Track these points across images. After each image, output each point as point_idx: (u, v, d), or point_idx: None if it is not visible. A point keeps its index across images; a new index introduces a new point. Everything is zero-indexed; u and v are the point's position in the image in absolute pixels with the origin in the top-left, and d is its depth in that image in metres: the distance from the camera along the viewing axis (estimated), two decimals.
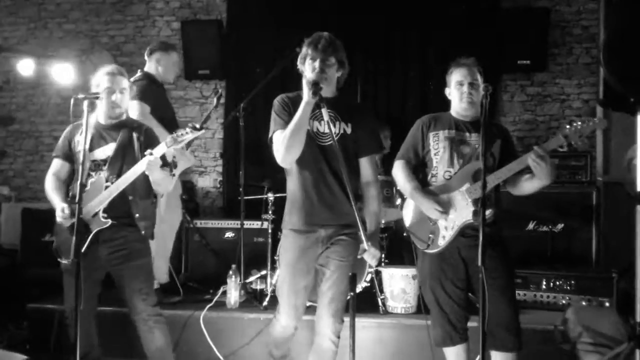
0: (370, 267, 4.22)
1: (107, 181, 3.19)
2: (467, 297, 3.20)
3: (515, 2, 5.96)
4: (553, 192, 4.81)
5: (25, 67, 5.87)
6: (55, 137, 6.72)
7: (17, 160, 6.88)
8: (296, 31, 4.87)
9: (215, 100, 4.82)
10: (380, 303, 4.18)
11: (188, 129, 3.12)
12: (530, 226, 4.91)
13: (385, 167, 5.03)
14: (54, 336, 4.07)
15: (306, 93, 2.71)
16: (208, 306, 4.16)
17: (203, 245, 5.19)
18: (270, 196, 4.68)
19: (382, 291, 4.24)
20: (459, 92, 3.16)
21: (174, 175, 3.57)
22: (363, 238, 2.69)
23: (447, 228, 3.08)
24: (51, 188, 3.36)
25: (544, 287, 4.23)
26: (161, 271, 4.41)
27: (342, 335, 3.15)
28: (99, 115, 3.35)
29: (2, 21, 6.89)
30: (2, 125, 6.87)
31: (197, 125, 3.12)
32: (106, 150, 3.27)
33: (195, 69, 6.34)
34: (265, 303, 4.24)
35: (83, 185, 2.87)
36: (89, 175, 3.22)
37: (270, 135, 2.93)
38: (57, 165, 3.42)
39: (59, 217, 3.20)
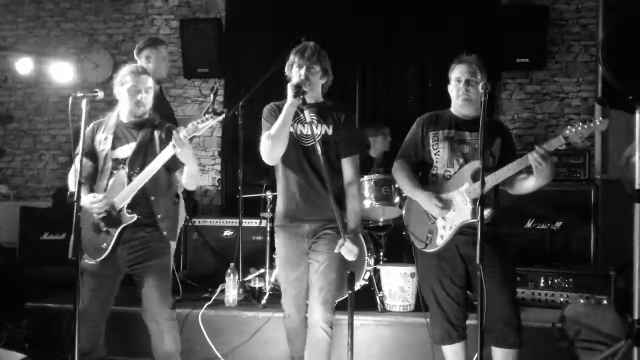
0: (369, 265, 4.24)
1: (129, 177, 3.14)
2: (466, 295, 3.21)
3: (514, 0, 5.96)
4: (552, 190, 4.82)
5: (24, 65, 5.86)
6: (53, 135, 6.74)
7: (16, 159, 6.87)
8: (295, 30, 4.94)
9: (212, 95, 4.82)
10: (378, 301, 4.18)
11: (208, 116, 2.99)
12: (529, 224, 4.92)
13: (385, 165, 5.04)
14: (57, 335, 4.06)
15: (290, 95, 2.93)
16: (207, 305, 4.16)
17: (202, 244, 5.19)
18: (269, 195, 4.67)
19: (380, 289, 4.24)
20: (456, 88, 3.17)
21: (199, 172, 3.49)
22: (341, 233, 2.92)
23: (446, 228, 3.08)
24: (74, 184, 3.24)
25: (542, 285, 4.24)
26: None
27: (340, 334, 3.18)
28: (122, 114, 3.28)
29: (0, 20, 6.88)
30: (1, 124, 6.86)
31: (218, 111, 2.99)
32: (126, 150, 3.21)
33: (194, 68, 6.34)
34: (263, 301, 4.24)
35: (81, 183, 2.84)
36: (111, 174, 3.17)
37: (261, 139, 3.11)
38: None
39: (91, 205, 3.08)
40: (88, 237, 3.16)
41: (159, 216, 3.21)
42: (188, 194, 5.77)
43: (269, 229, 4.64)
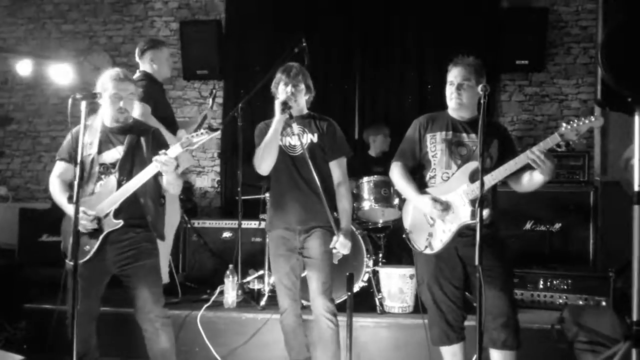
0: (368, 266, 4.24)
1: (118, 183, 3.16)
2: (465, 296, 3.21)
3: (514, 2, 5.97)
4: (551, 191, 4.82)
5: (24, 67, 5.87)
6: (53, 137, 6.74)
7: (15, 160, 6.88)
8: (294, 32, 4.94)
9: (210, 100, 4.83)
10: (377, 303, 4.18)
11: (204, 130, 3.11)
12: (528, 226, 4.92)
13: (384, 166, 5.03)
14: (51, 336, 4.06)
15: (277, 111, 3.24)
16: (205, 306, 4.16)
17: (201, 245, 5.19)
18: (268, 196, 4.66)
19: (379, 291, 4.24)
20: (448, 91, 3.18)
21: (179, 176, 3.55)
22: (334, 230, 3.24)
23: (445, 231, 3.08)
24: (58, 191, 3.29)
25: (541, 286, 4.23)
26: (162, 272, 4.40)
27: (339, 335, 3.20)
28: (105, 119, 3.29)
29: (0, 21, 6.89)
30: (0, 126, 6.86)
31: (214, 126, 3.18)
32: (114, 154, 3.23)
33: (193, 69, 6.35)
34: (262, 303, 4.24)
35: (79, 186, 2.84)
36: (98, 178, 3.19)
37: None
38: (61, 167, 3.34)
39: (81, 220, 3.07)
40: (72, 239, 3.16)
41: (149, 217, 3.24)
42: (186, 196, 5.79)
43: (266, 229, 4.64)
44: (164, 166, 3.05)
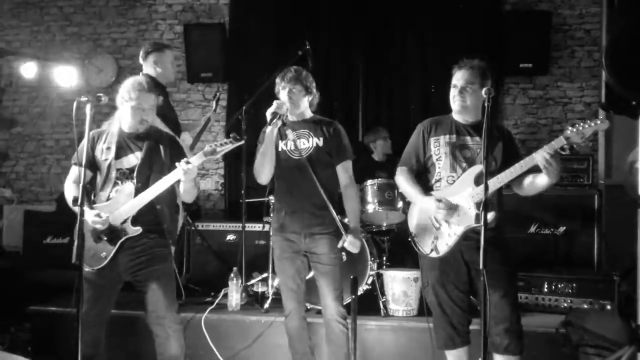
0: (372, 269, 4.24)
1: (136, 189, 3.15)
2: (470, 300, 3.20)
3: (517, 6, 5.97)
4: (555, 195, 4.81)
5: (28, 70, 5.90)
6: (57, 139, 6.76)
7: (20, 163, 6.90)
8: (298, 35, 4.95)
9: (214, 104, 4.84)
10: (381, 306, 4.18)
11: (228, 140, 3.11)
12: (532, 229, 4.90)
13: (388, 169, 5.03)
14: (58, 338, 4.07)
15: (268, 122, 3.26)
16: (209, 309, 4.17)
17: (205, 248, 5.19)
18: (272, 199, 4.66)
19: (383, 294, 4.23)
20: (452, 94, 3.18)
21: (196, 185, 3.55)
22: (342, 230, 3.31)
23: (451, 234, 3.07)
24: (75, 196, 3.25)
25: (545, 290, 4.22)
26: None
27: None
28: (123, 124, 3.28)
29: (4, 24, 6.91)
30: (5, 128, 6.88)
31: (238, 136, 3.12)
32: (131, 159, 3.22)
33: (197, 72, 6.36)
34: (266, 306, 4.24)
35: (85, 188, 2.85)
36: (115, 184, 3.18)
37: None
38: (76, 172, 3.29)
39: (95, 224, 3.10)
40: (87, 245, 3.11)
41: (165, 225, 3.24)
42: None
43: (271, 233, 4.64)
44: (186, 174, 3.05)
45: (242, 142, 3.17)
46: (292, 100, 3.35)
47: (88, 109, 2.88)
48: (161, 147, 3.27)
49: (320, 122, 3.48)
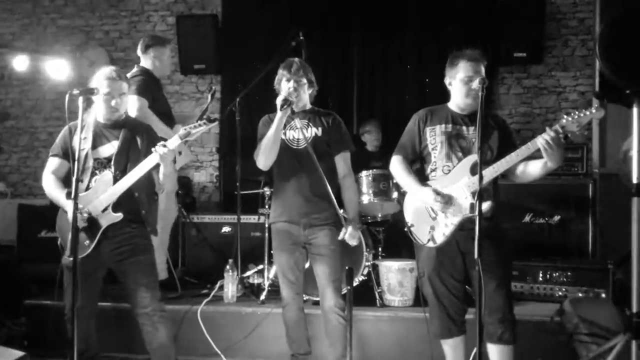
0: (367, 260, 4.24)
1: (114, 177, 3.18)
2: (465, 289, 3.21)
3: None
4: (549, 184, 4.83)
5: (20, 63, 5.85)
6: (50, 132, 6.72)
7: (13, 157, 6.87)
8: (292, 25, 4.92)
9: (209, 97, 4.82)
10: (377, 296, 4.19)
11: (201, 122, 3.14)
12: (527, 218, 4.92)
13: (382, 160, 5.03)
14: (51, 332, 4.06)
15: (278, 108, 3.24)
16: (205, 301, 4.17)
17: (200, 240, 5.19)
18: (267, 190, 4.66)
19: (379, 284, 4.24)
20: (466, 87, 3.06)
21: (175, 170, 3.57)
22: (343, 222, 3.34)
23: (447, 224, 3.06)
24: (53, 187, 3.33)
25: (540, 279, 4.24)
26: (160, 267, 4.40)
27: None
28: (98, 115, 3.32)
29: None
30: None
31: (212, 117, 3.15)
32: (109, 149, 3.26)
33: (190, 64, 6.33)
34: (262, 297, 4.24)
35: (78, 181, 2.85)
36: (92, 173, 3.21)
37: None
38: (55, 163, 3.39)
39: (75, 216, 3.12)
40: (69, 235, 3.15)
41: (143, 212, 3.27)
42: (185, 191, 5.79)
43: (267, 225, 4.64)
44: (163, 157, 3.07)
45: (216, 123, 3.20)
46: (297, 91, 3.37)
47: (81, 102, 2.89)
48: (137, 136, 3.31)
49: (318, 112, 3.51)
